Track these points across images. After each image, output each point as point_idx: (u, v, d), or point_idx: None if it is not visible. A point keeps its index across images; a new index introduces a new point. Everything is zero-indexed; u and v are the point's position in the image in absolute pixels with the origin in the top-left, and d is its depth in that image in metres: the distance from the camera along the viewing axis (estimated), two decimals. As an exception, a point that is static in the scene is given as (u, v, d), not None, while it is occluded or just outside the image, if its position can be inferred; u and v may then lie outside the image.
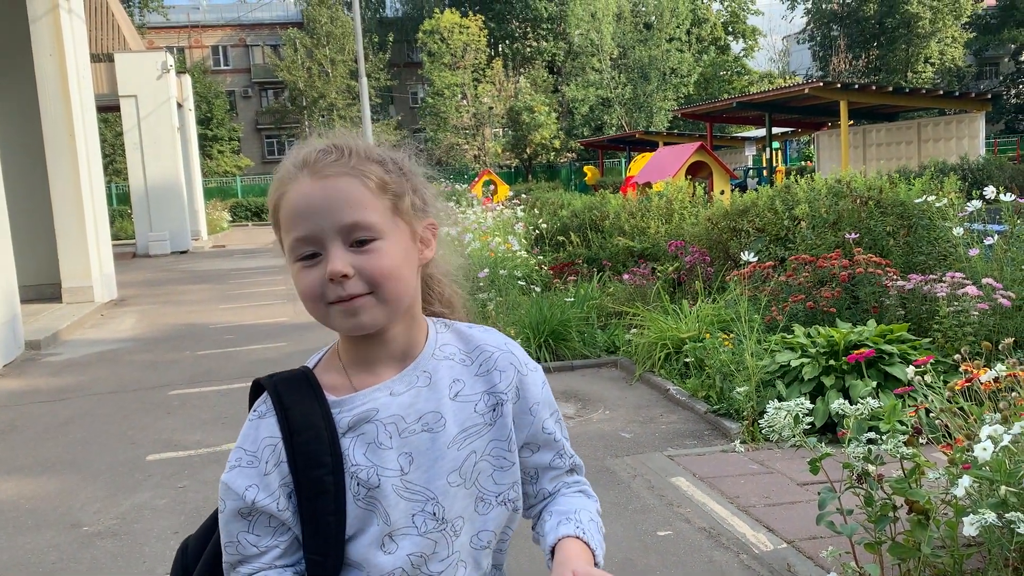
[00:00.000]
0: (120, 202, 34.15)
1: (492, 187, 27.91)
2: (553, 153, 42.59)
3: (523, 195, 14.17)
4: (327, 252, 1.07)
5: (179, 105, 23.55)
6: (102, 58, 22.32)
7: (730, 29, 52.74)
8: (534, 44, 47.57)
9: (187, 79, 26.17)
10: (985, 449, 2.47)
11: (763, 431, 3.37)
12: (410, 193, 1.14)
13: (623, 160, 40.68)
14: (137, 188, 22.03)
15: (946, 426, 3.28)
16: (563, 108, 44.18)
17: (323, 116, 44.75)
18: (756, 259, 5.80)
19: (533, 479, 1.25)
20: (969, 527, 2.43)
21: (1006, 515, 2.41)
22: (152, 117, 21.73)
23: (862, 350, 4.26)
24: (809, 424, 2.89)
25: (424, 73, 44.94)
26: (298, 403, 1.13)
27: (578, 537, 1.18)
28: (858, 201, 6.46)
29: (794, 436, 2.86)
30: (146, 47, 31.88)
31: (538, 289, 7.72)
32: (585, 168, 34.87)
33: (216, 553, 1.18)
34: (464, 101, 42.82)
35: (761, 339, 5.16)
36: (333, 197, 1.08)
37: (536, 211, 11.91)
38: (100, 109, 15.06)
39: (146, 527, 3.90)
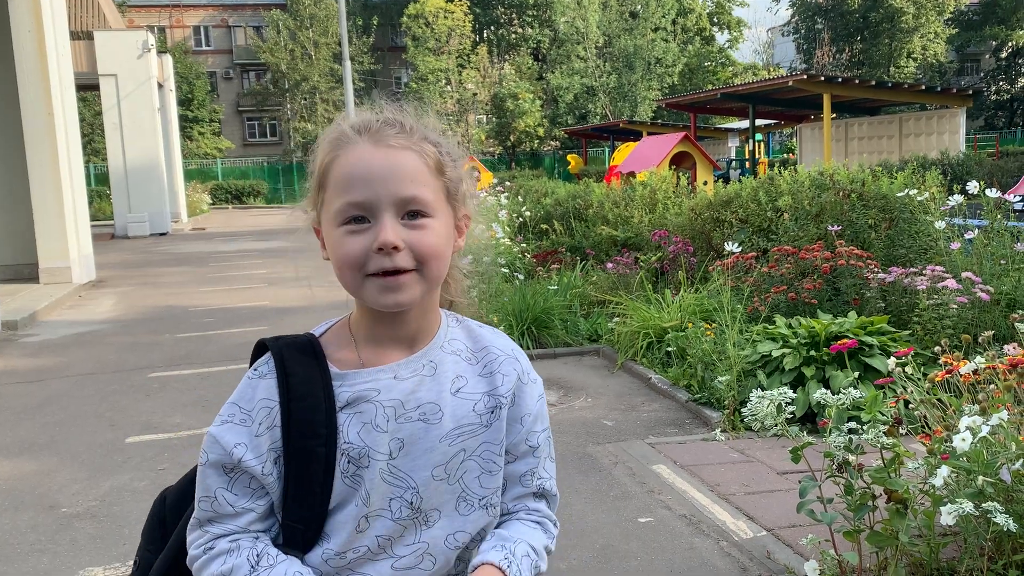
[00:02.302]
0: (98, 182, 33.77)
1: (476, 174, 27.87)
2: (537, 141, 42.54)
3: (507, 183, 14.13)
4: (380, 221, 1.07)
5: (160, 85, 23.28)
6: (81, 36, 22.01)
7: (715, 20, 52.78)
8: (519, 31, 47.41)
9: (168, 59, 25.85)
10: (964, 440, 2.51)
11: (745, 420, 3.40)
12: (460, 181, 1.15)
13: (607, 149, 40.70)
14: (116, 169, 21.78)
15: (925, 417, 3.33)
16: (547, 96, 44.09)
17: (305, 99, 44.42)
18: (739, 250, 5.83)
19: (503, 486, 1.22)
20: (947, 516, 2.47)
21: (983, 505, 2.44)
22: (132, 97, 21.48)
23: (844, 341, 4.29)
24: (790, 414, 2.92)
25: (408, 58, 44.70)
26: (300, 370, 1.12)
27: (500, 569, 1.13)
28: (841, 194, 6.51)
29: (776, 425, 2.88)
30: (127, 26, 31.50)
31: (521, 277, 7.73)
32: (568, 156, 34.88)
33: None
34: (448, 87, 42.64)
35: (743, 329, 5.20)
36: (396, 167, 1.08)
37: (520, 199, 11.89)
38: (78, 88, 14.83)
39: (125, 509, 3.88)
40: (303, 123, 44.00)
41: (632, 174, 15.02)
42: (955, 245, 5.49)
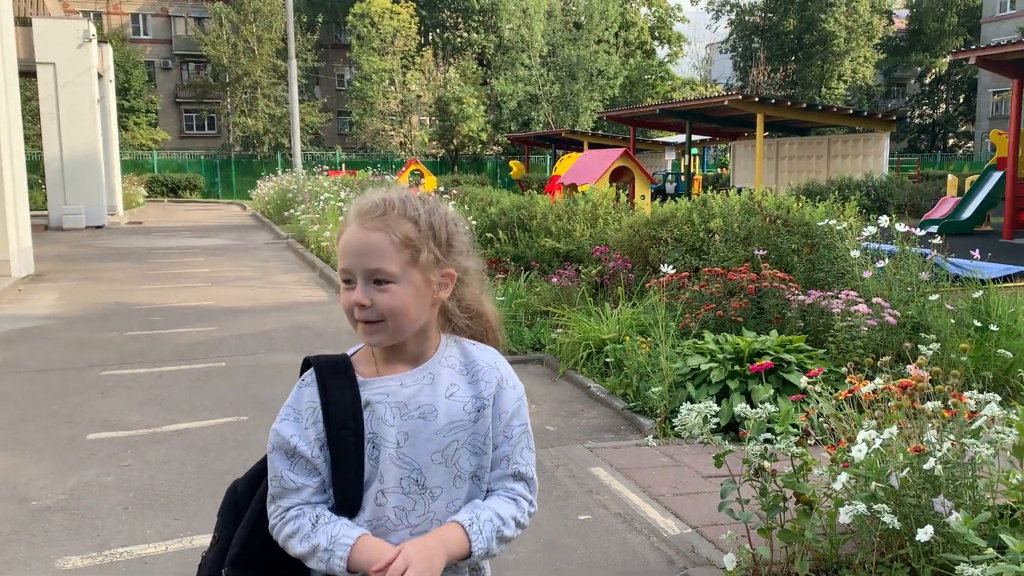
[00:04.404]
0: (29, 171, 32.87)
1: (419, 177, 28.05)
2: (480, 146, 42.86)
3: (454, 190, 14.41)
4: (357, 284, 1.45)
5: (100, 76, 22.90)
6: (18, 22, 21.51)
7: (656, 34, 53.92)
8: (465, 35, 47.68)
9: (108, 49, 25.43)
10: (860, 451, 2.94)
11: (675, 429, 3.80)
12: (429, 250, 1.48)
13: (548, 157, 41.28)
14: (52, 159, 21.36)
15: (832, 429, 3.77)
16: (491, 101, 44.48)
17: (246, 94, 43.89)
18: (674, 269, 6.26)
19: None
20: (845, 516, 2.88)
21: (874, 507, 2.86)
22: (71, 87, 21.10)
23: (763, 361, 4.72)
24: (715, 424, 3.32)
25: (352, 56, 44.57)
26: (334, 380, 1.50)
27: (462, 526, 1.45)
28: (768, 219, 7.01)
29: (702, 434, 3.28)
30: (63, 10, 30.76)
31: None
32: (511, 163, 35.34)
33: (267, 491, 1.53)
34: (392, 87, 42.66)
35: (675, 344, 5.62)
36: (366, 247, 1.45)
37: (466, 207, 12.21)
38: (19, 77, 14.60)
39: (95, 503, 4.09)
40: (243, 118, 43.45)
41: (574, 186, 15.48)
42: (867, 273, 6.02)
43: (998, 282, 7.21)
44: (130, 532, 3.78)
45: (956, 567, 2.52)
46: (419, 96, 42.46)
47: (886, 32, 51.39)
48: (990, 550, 2.47)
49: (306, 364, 1.55)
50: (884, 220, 5.67)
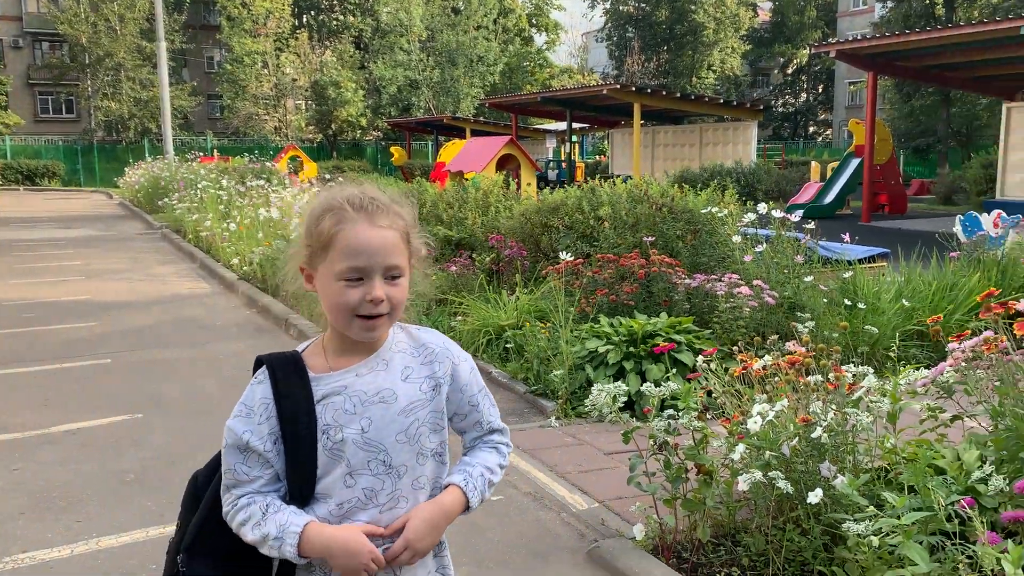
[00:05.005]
0: None
1: (299, 163, 27.45)
2: (359, 131, 42.24)
3: (340, 177, 14.21)
4: (372, 281, 1.50)
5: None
6: None
7: (534, 22, 54.46)
8: (341, 18, 46.78)
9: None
10: (755, 423, 3.18)
11: (585, 409, 3.97)
12: (415, 240, 1.59)
13: (430, 143, 41.14)
14: None
15: (724, 404, 4.03)
16: (370, 86, 43.88)
17: (109, 76, 41.63)
18: (571, 257, 6.46)
19: (463, 434, 1.75)
20: (743, 484, 3.12)
21: (769, 474, 3.11)
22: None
23: (665, 343, 4.97)
24: (622, 403, 3.51)
25: (223, 38, 43.02)
26: (285, 376, 1.56)
27: (460, 487, 1.63)
28: (654, 207, 7.32)
29: (611, 413, 3.47)
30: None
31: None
32: (392, 148, 35.04)
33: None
34: (265, 70, 41.44)
35: (574, 328, 5.82)
36: (384, 244, 1.52)
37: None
38: None
39: (-12, 509, 3.92)
40: (106, 101, 41.23)
41: (461, 174, 15.57)
42: (748, 257, 6.39)
43: (862, 263, 7.79)
44: (30, 537, 3.65)
45: (842, 525, 2.80)
46: (294, 80, 41.45)
47: (751, 24, 53.73)
48: (871, 508, 2.75)
49: (258, 363, 1.60)
50: (763, 207, 6.04)
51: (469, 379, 1.70)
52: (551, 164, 29.78)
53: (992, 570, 2.27)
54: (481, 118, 38.19)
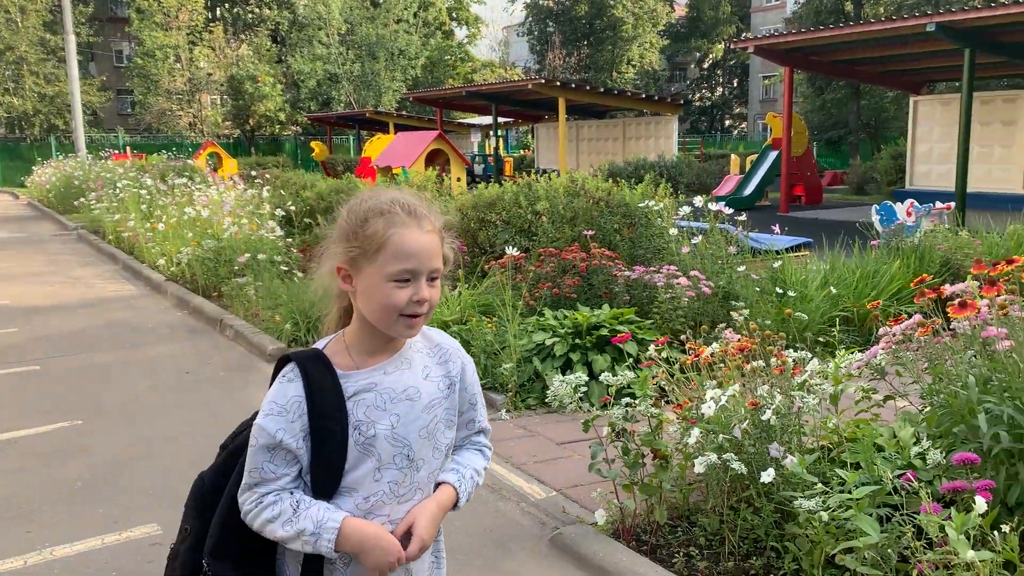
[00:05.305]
0: None
1: (217, 159, 26.82)
2: (278, 126, 41.45)
3: (266, 173, 13.96)
4: (418, 282, 1.58)
5: None
6: None
7: (454, 15, 54.32)
8: (256, 11, 45.76)
9: None
10: (710, 407, 3.33)
11: (546, 400, 4.06)
12: (446, 246, 1.67)
13: (352, 138, 40.66)
14: None
15: (672, 391, 4.18)
16: (288, 80, 43.07)
17: (10, 70, 39.79)
18: (516, 251, 6.55)
19: (456, 431, 1.83)
20: (699, 467, 3.27)
21: (723, 456, 3.26)
22: None
23: (622, 334, 5.07)
24: (584, 392, 3.62)
25: (132, 31, 41.60)
26: (315, 373, 1.60)
27: (453, 486, 1.73)
28: (591, 201, 7.46)
29: (571, 403, 3.57)
30: None
31: (301, 274, 7.95)
32: (313, 143, 34.46)
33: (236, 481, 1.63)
34: (178, 64, 40.27)
35: (520, 322, 5.91)
36: (431, 249, 1.59)
37: (281, 192, 11.92)
38: None
39: (-69, 524, 3.79)
40: (7, 97, 39.40)
41: (389, 169, 15.49)
42: (685, 249, 6.59)
43: (789, 252, 8.11)
44: (-19, 550, 3.56)
45: (793, 502, 2.96)
46: (209, 74, 40.39)
47: (668, 19, 54.74)
48: (819, 485, 2.92)
49: (283, 360, 1.64)
50: (699, 200, 6.24)
51: (473, 379, 1.80)
52: (477, 158, 29.85)
53: (936, 536, 2.45)
54: (404, 112, 37.93)
